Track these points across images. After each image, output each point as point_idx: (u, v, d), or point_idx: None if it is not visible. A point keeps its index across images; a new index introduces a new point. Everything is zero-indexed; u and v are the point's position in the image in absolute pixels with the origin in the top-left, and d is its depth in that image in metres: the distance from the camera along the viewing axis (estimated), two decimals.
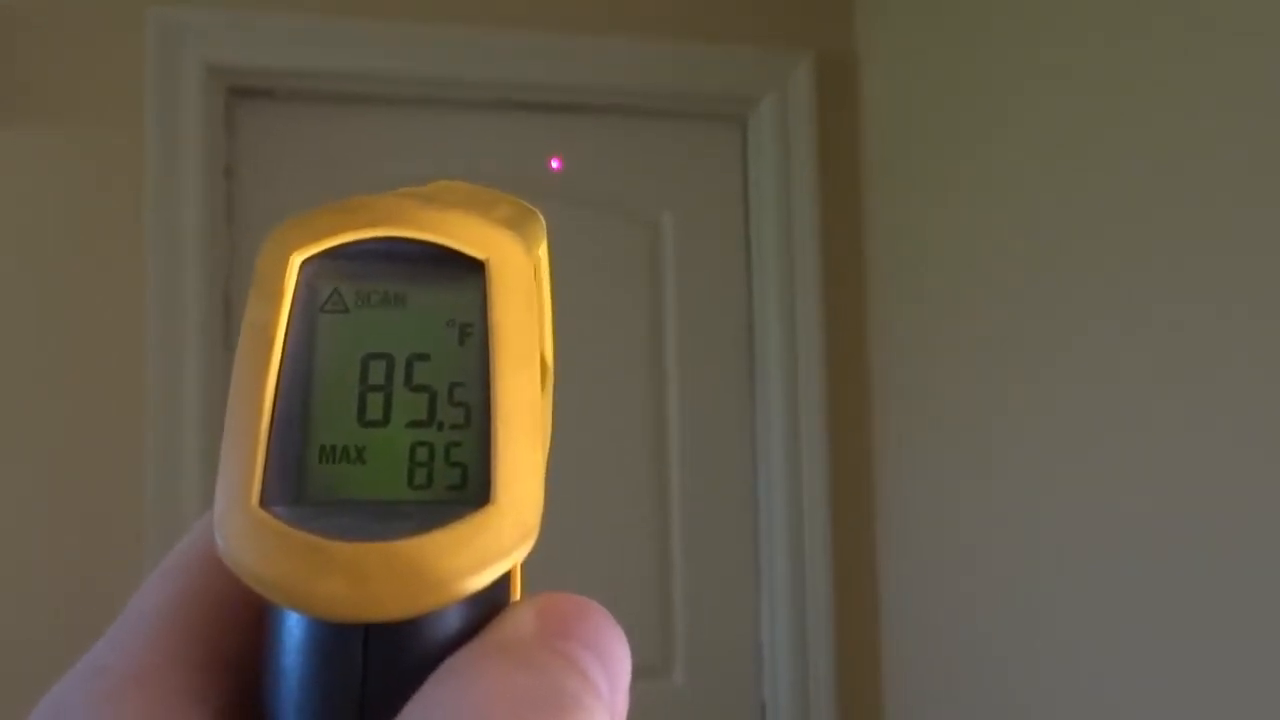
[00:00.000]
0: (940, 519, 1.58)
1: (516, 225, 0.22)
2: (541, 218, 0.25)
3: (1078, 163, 1.32)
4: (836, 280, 1.75)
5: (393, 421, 0.19)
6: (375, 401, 0.19)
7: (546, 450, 0.21)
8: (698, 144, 1.79)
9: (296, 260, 0.20)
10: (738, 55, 1.75)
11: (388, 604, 0.17)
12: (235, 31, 1.57)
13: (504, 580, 0.19)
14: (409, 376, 0.20)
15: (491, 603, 0.19)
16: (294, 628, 0.18)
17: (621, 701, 0.18)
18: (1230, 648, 1.10)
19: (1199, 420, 1.13)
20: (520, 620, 0.18)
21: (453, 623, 0.18)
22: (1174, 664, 1.16)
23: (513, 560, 0.18)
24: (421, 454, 0.19)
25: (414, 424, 0.19)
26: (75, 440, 1.47)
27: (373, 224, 0.20)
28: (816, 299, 1.74)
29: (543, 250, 0.24)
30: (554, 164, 1.68)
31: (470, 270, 0.20)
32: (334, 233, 0.20)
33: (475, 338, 0.20)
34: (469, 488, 0.19)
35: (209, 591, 0.20)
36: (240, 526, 0.18)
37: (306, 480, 0.19)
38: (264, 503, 0.18)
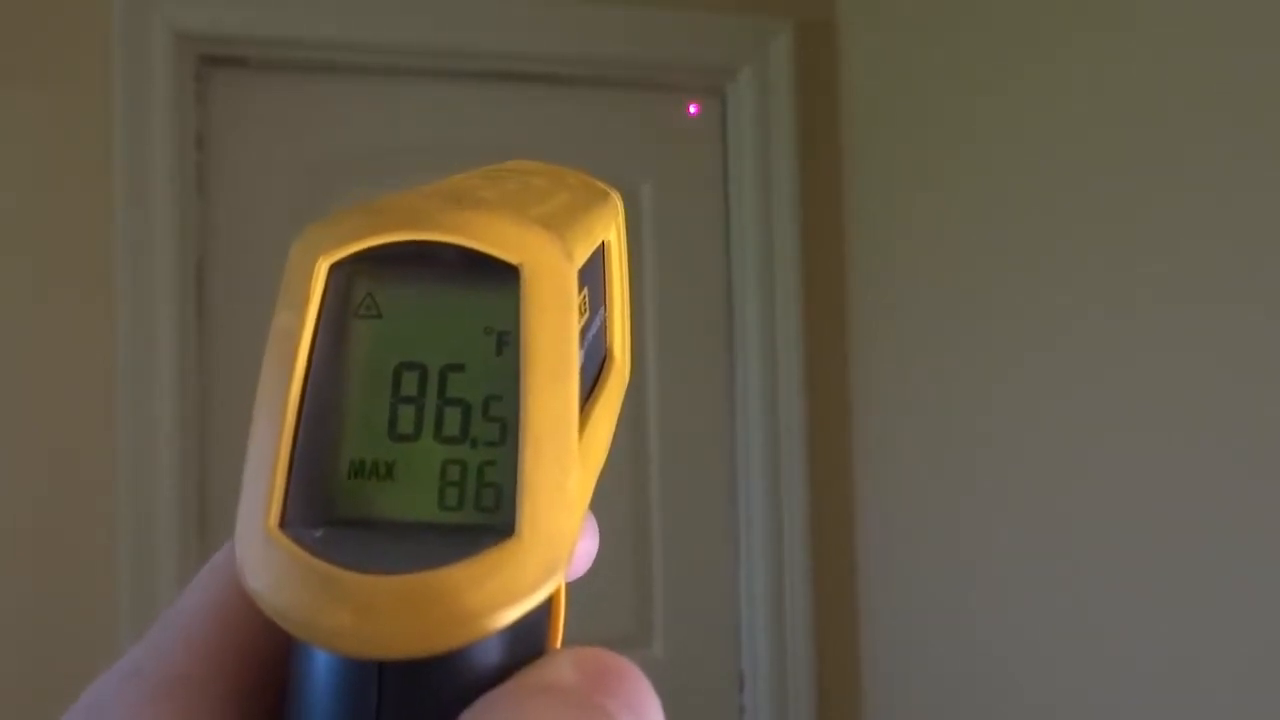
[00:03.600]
0: (919, 489, 1.59)
1: (566, 219, 0.20)
2: (616, 198, 0.23)
3: (1061, 133, 1.32)
4: (815, 251, 1.75)
5: (424, 436, 0.18)
6: (407, 414, 0.18)
7: (599, 466, 0.20)
8: (677, 114, 1.77)
9: (324, 265, 0.19)
10: (716, 25, 1.74)
11: (397, 641, 0.16)
12: None
13: (540, 617, 0.18)
14: (443, 388, 0.18)
15: (523, 640, 0.18)
16: (311, 656, 0.18)
17: None
18: (1217, 648, 1.11)
19: (1185, 418, 1.14)
20: (560, 670, 0.17)
21: (476, 662, 0.17)
22: (1150, 650, 1.18)
23: (534, 600, 0.17)
24: (453, 472, 0.18)
25: (447, 439, 0.18)
26: (44, 413, 1.45)
27: (403, 226, 0.19)
28: (795, 270, 1.73)
29: (615, 235, 0.23)
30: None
31: (507, 274, 0.19)
32: (363, 236, 0.19)
33: (513, 347, 0.18)
34: (501, 510, 0.18)
35: (245, 600, 0.19)
36: (255, 548, 0.17)
37: (333, 497, 0.18)
38: (284, 523, 0.17)
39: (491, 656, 0.17)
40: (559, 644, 0.19)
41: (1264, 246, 1.04)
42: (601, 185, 0.23)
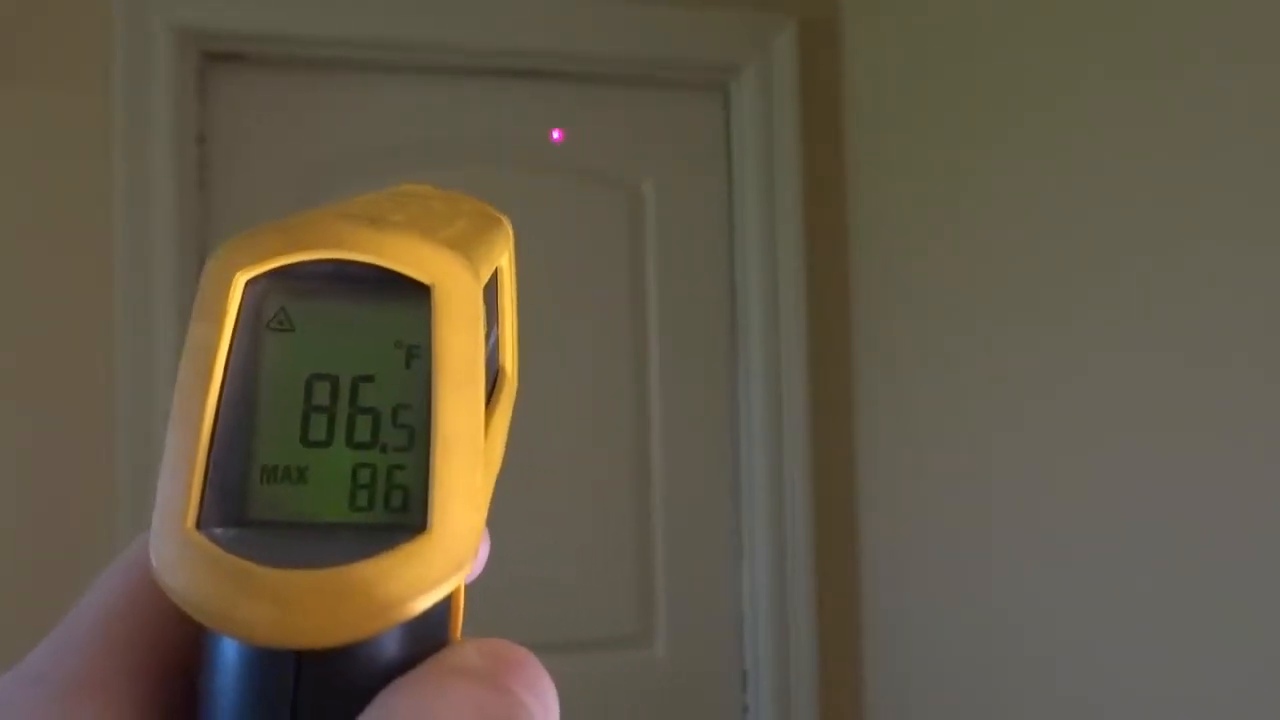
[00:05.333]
0: (923, 487, 1.59)
1: (470, 242, 0.21)
2: (507, 224, 0.25)
3: (1066, 130, 1.31)
4: (819, 248, 1.74)
5: (335, 442, 0.19)
6: (319, 422, 0.19)
7: (495, 471, 0.21)
8: (680, 112, 1.77)
9: (241, 280, 0.20)
10: (720, 22, 1.73)
11: (313, 631, 0.17)
12: None
13: (442, 610, 0.19)
14: (354, 397, 0.20)
15: (429, 632, 0.19)
16: (227, 649, 0.18)
17: None
18: (1219, 641, 1.10)
19: (1191, 411, 1.14)
20: (468, 656, 0.18)
21: (389, 650, 0.18)
22: (1151, 650, 1.17)
23: (445, 590, 0.18)
24: (364, 475, 0.19)
25: (357, 445, 0.19)
26: (45, 411, 1.45)
27: (318, 245, 0.20)
28: (799, 266, 1.73)
29: (507, 260, 0.24)
30: (555, 135, 1.66)
31: (417, 292, 0.20)
32: (279, 253, 0.20)
33: (422, 360, 0.20)
34: (410, 511, 0.19)
35: (152, 601, 0.20)
36: (172, 547, 0.18)
37: (247, 500, 0.19)
38: (200, 524, 0.18)
39: (402, 645, 0.18)
40: (459, 636, 0.20)
41: (1269, 262, 1.03)
42: (494, 211, 0.24)
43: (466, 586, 0.20)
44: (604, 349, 1.72)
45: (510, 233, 0.24)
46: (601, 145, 1.73)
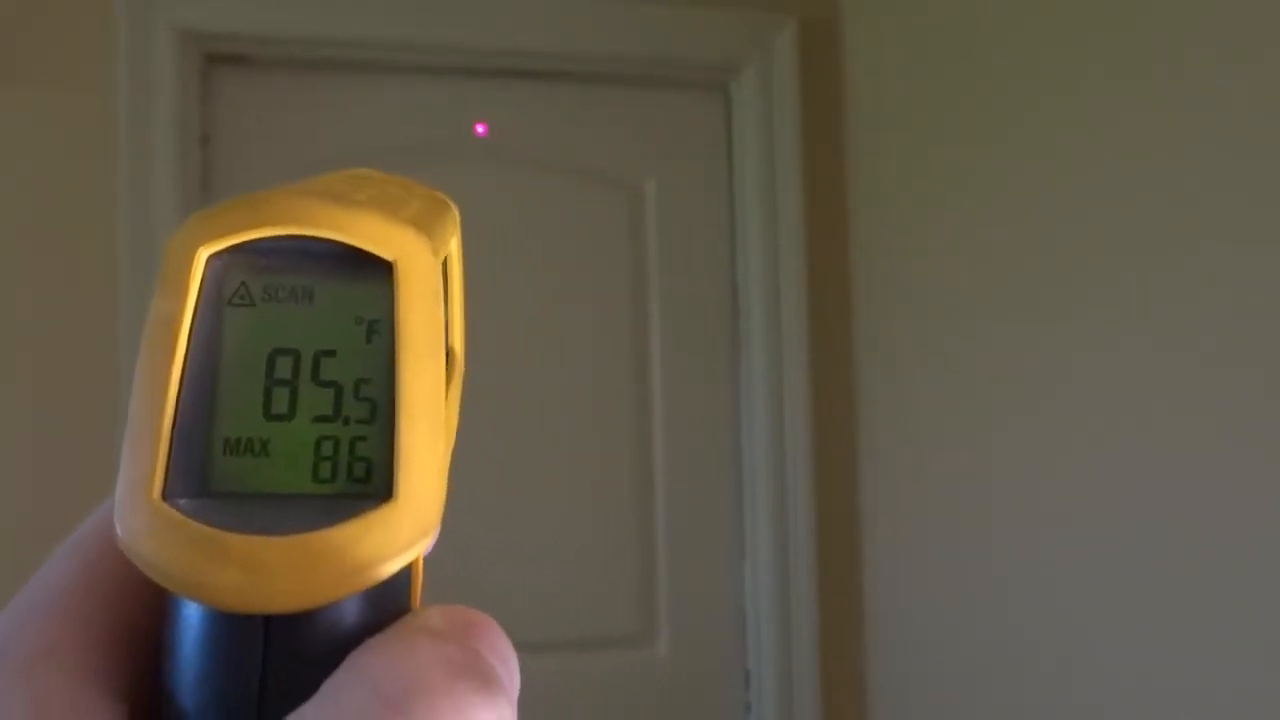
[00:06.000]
0: (925, 485, 1.59)
1: (426, 223, 0.22)
2: (455, 210, 0.25)
3: (1067, 129, 1.31)
4: (820, 247, 1.75)
5: (298, 415, 0.20)
6: (281, 395, 0.20)
7: (451, 445, 0.21)
8: (681, 111, 1.77)
9: (203, 255, 0.20)
10: (721, 21, 1.73)
11: (284, 596, 0.18)
12: None
13: (404, 577, 0.20)
14: (315, 371, 0.20)
15: (393, 598, 0.19)
16: (195, 616, 0.19)
17: (514, 711, 0.19)
18: (1222, 641, 1.10)
19: (1192, 411, 1.14)
20: (433, 619, 0.19)
21: (354, 615, 0.19)
22: (1151, 652, 1.17)
23: (412, 554, 0.19)
24: (326, 448, 0.19)
25: (319, 418, 0.20)
26: (48, 411, 1.45)
27: (282, 221, 0.20)
28: (800, 266, 1.73)
29: (455, 243, 0.24)
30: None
31: (378, 269, 0.20)
32: (242, 229, 0.20)
33: (382, 335, 0.20)
34: (373, 481, 0.19)
35: (113, 572, 0.20)
36: (139, 517, 0.18)
37: (210, 472, 0.19)
38: (166, 495, 0.19)
39: (367, 610, 0.19)
40: (418, 603, 0.20)
41: (1269, 262, 1.04)
42: (443, 196, 0.24)
43: (425, 557, 0.21)
44: (605, 348, 1.72)
45: (458, 218, 0.25)
46: (603, 145, 1.73)
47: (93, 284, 1.47)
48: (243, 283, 0.20)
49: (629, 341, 1.73)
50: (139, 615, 0.20)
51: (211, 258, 0.20)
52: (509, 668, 0.19)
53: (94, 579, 0.20)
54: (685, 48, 1.72)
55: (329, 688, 0.17)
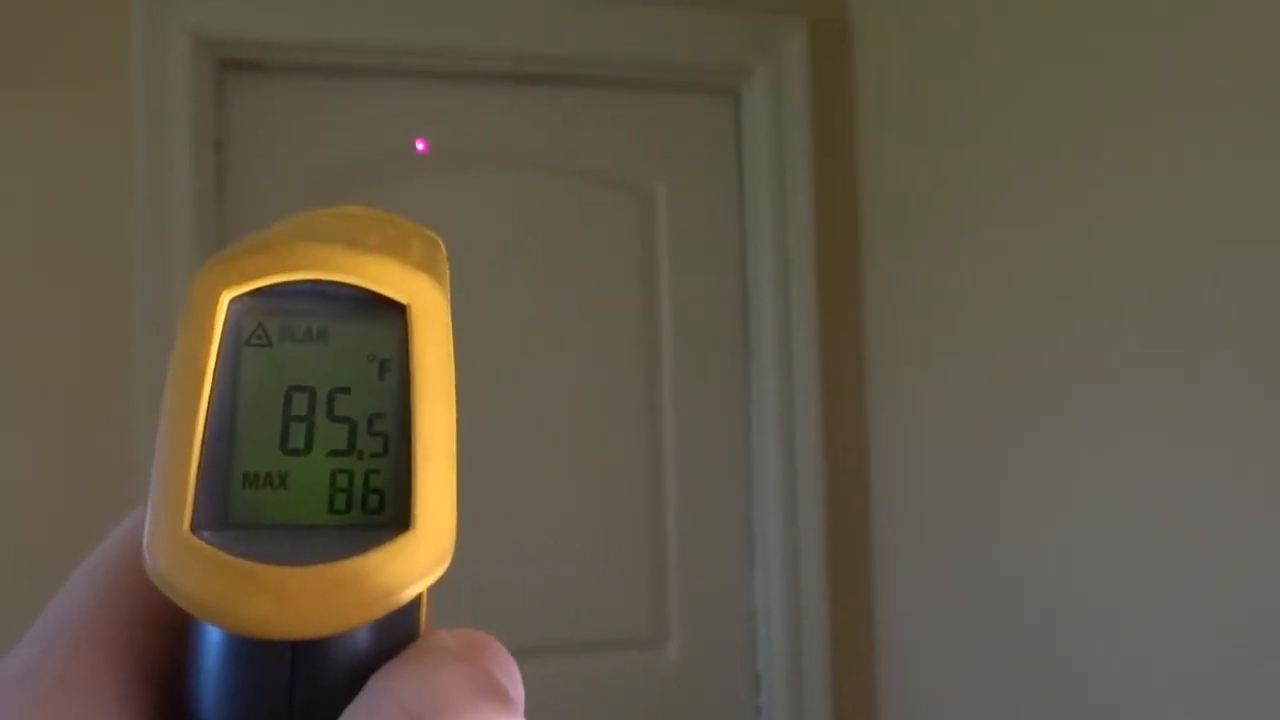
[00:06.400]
0: (935, 487, 1.59)
1: (431, 265, 0.23)
2: (443, 246, 0.26)
3: (1075, 129, 1.31)
4: (831, 251, 1.75)
5: (314, 450, 0.21)
6: (297, 431, 0.21)
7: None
8: (691, 115, 1.78)
9: (226, 298, 0.21)
10: (730, 24, 1.74)
11: (312, 623, 0.19)
12: (225, 2, 1.55)
13: (416, 601, 0.21)
14: (330, 408, 0.21)
15: (407, 622, 0.20)
16: (223, 645, 0.20)
17: None
18: (1241, 642, 1.10)
19: (1207, 414, 1.14)
20: (444, 641, 0.20)
21: (374, 639, 0.20)
22: (1172, 656, 1.17)
23: (430, 579, 0.20)
24: (342, 480, 0.21)
25: (335, 452, 0.21)
26: (62, 414, 1.46)
27: (302, 267, 0.21)
28: (811, 270, 1.73)
29: (447, 282, 0.26)
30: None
31: (389, 310, 0.21)
32: (264, 274, 0.21)
33: (394, 373, 0.21)
34: (386, 513, 0.20)
35: (133, 598, 0.21)
36: (171, 550, 0.19)
37: (230, 505, 0.20)
38: (193, 528, 0.19)
39: (383, 634, 0.20)
40: (425, 625, 0.21)
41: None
42: (431, 234, 0.25)
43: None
44: (616, 351, 1.73)
45: (445, 255, 0.26)
46: (613, 149, 1.74)
47: (107, 289, 1.48)
48: (260, 324, 0.21)
49: (639, 345, 1.73)
50: (157, 641, 0.20)
51: (233, 301, 0.21)
52: (517, 686, 0.20)
53: (113, 606, 0.20)
54: (695, 51, 1.73)
55: (357, 706, 0.18)
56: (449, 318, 0.22)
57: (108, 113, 1.49)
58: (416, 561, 0.19)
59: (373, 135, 1.64)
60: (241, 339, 0.21)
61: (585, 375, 1.70)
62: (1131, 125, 1.21)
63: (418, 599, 0.20)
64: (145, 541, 0.19)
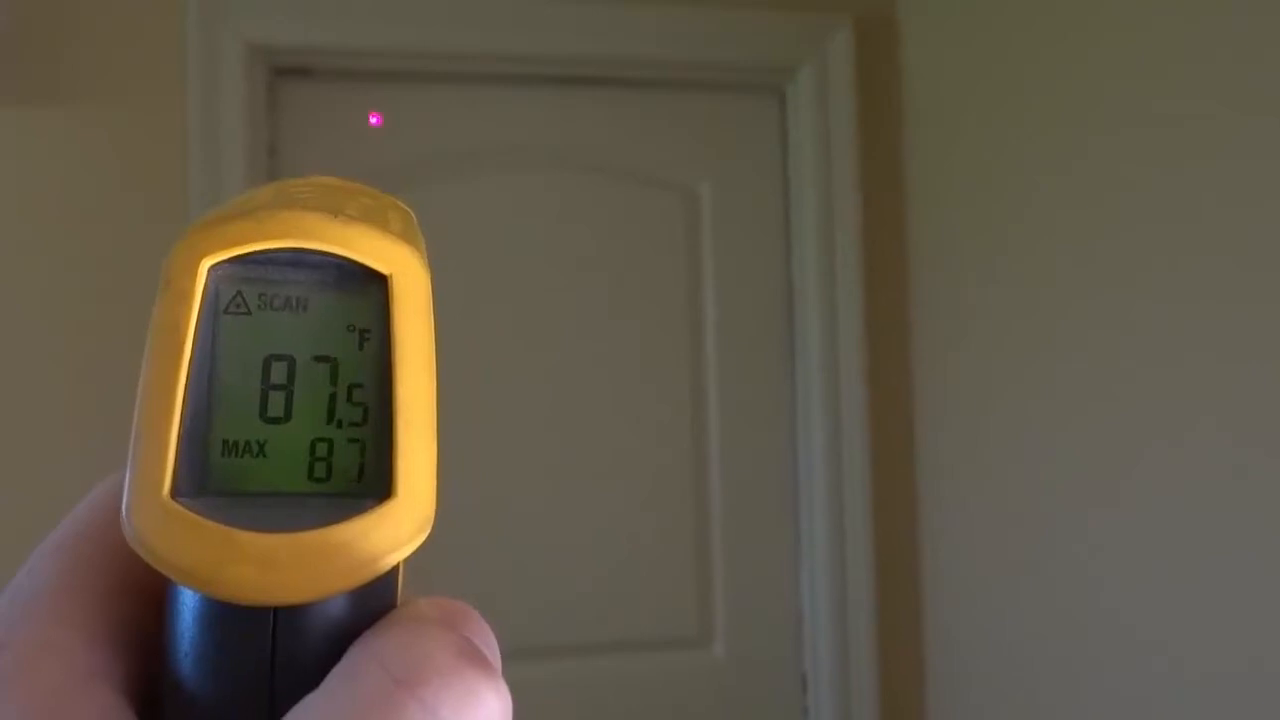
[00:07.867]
0: (984, 486, 1.57)
1: (411, 236, 0.23)
2: (414, 218, 0.26)
3: (1125, 125, 1.29)
4: (876, 250, 1.74)
5: (294, 418, 0.21)
6: (276, 400, 0.21)
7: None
8: (736, 114, 1.78)
9: (205, 265, 0.21)
10: (775, 23, 1.74)
11: (296, 589, 0.19)
12: (276, 11, 1.58)
13: (395, 570, 0.21)
14: (310, 377, 0.21)
15: (386, 590, 0.20)
16: (203, 611, 0.19)
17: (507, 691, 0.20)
18: None
19: (1266, 400, 1.12)
20: (424, 609, 0.20)
21: (354, 606, 0.20)
22: (1204, 653, 1.15)
23: (412, 548, 0.20)
24: (321, 449, 0.21)
25: (314, 421, 0.21)
26: (119, 427, 1.50)
27: (283, 235, 0.21)
28: (856, 269, 1.73)
29: (424, 253, 0.26)
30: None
31: (370, 281, 0.21)
32: (245, 241, 0.21)
33: (374, 343, 0.21)
34: (365, 481, 0.20)
35: (107, 566, 0.21)
36: (152, 516, 0.19)
37: (209, 473, 0.20)
38: (173, 494, 0.19)
39: (363, 601, 0.20)
40: (401, 595, 0.21)
41: None
42: (403, 205, 0.25)
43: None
44: (661, 350, 1.73)
45: (416, 223, 0.26)
46: (658, 148, 1.74)
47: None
48: (239, 292, 0.21)
49: (685, 343, 1.74)
50: (132, 611, 0.20)
51: (213, 268, 0.21)
52: (495, 652, 0.21)
53: (89, 573, 0.20)
54: (740, 50, 1.73)
55: (341, 671, 0.19)
56: (430, 289, 0.22)
57: (163, 119, 1.53)
58: (399, 530, 0.20)
59: (421, 138, 1.67)
60: (220, 307, 0.21)
61: (630, 373, 1.71)
62: (1193, 121, 1.19)
63: (396, 568, 0.20)
64: (124, 507, 0.19)
